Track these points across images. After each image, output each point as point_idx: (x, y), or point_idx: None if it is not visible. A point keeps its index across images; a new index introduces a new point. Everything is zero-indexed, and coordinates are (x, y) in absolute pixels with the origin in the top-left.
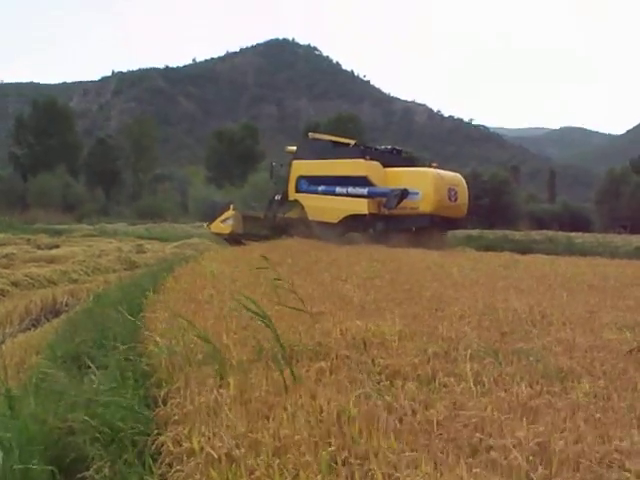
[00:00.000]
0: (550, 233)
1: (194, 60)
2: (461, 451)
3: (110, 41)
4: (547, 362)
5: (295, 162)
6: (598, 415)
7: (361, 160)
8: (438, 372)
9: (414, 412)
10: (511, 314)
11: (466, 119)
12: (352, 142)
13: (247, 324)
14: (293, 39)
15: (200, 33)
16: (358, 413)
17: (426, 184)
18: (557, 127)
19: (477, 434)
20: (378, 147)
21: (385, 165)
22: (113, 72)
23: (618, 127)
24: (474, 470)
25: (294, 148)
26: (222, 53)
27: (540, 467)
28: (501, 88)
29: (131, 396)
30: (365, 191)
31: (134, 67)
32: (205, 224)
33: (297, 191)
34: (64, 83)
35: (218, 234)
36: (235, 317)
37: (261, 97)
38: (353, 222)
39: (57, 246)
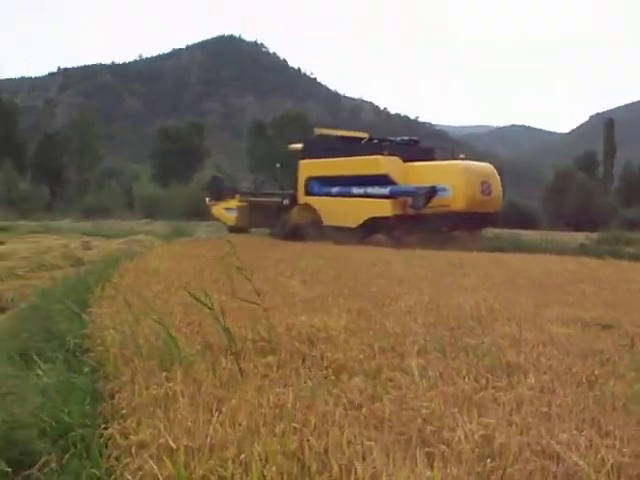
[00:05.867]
0: (496, 230)
1: (140, 56)
2: (410, 443)
3: (57, 37)
4: (493, 357)
5: (303, 162)
6: (543, 409)
7: (379, 156)
8: (384, 367)
9: (360, 406)
10: (457, 310)
11: (412, 117)
12: (365, 136)
13: (193, 320)
14: (239, 36)
15: (147, 29)
16: (304, 407)
17: (456, 179)
18: (502, 125)
19: (424, 427)
20: (393, 139)
21: (405, 160)
22: (59, 68)
23: (563, 126)
24: (424, 460)
25: (299, 146)
26: (168, 50)
27: (485, 458)
28: (445, 86)
29: (78, 390)
30: (387, 191)
31: (81, 63)
32: (207, 199)
33: (307, 194)
34: (9, 79)
35: (219, 220)
36: (180, 312)
37: (206, 94)
38: (375, 225)
39: (2, 243)
